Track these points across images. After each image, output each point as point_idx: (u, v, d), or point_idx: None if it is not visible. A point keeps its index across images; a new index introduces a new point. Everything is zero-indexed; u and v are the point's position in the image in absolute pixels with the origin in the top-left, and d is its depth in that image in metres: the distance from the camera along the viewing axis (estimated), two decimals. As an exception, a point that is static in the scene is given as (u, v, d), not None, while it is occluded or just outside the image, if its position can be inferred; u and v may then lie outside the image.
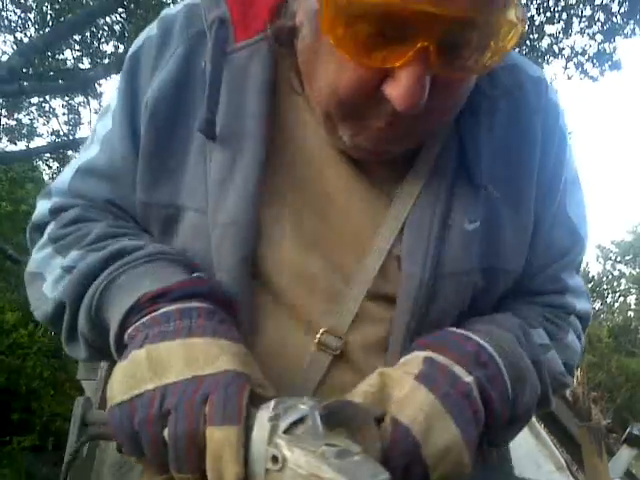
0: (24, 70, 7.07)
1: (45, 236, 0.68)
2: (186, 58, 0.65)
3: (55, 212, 0.69)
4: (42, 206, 0.71)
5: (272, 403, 0.46)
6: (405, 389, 0.54)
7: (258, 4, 0.65)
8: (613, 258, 26.68)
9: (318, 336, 0.63)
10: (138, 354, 0.50)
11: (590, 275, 26.72)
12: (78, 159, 0.71)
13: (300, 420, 0.45)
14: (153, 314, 0.53)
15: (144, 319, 0.53)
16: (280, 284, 0.63)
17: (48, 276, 0.64)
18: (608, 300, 26.55)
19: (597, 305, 26.60)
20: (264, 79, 0.63)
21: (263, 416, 0.45)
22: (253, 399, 0.47)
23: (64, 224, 0.67)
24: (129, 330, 0.54)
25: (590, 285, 26.71)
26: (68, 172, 0.71)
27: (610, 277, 26.63)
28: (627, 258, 26.40)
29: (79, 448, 0.54)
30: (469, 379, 0.56)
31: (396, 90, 0.51)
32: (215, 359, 0.49)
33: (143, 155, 0.64)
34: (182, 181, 0.63)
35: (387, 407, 0.53)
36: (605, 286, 26.48)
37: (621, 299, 26.49)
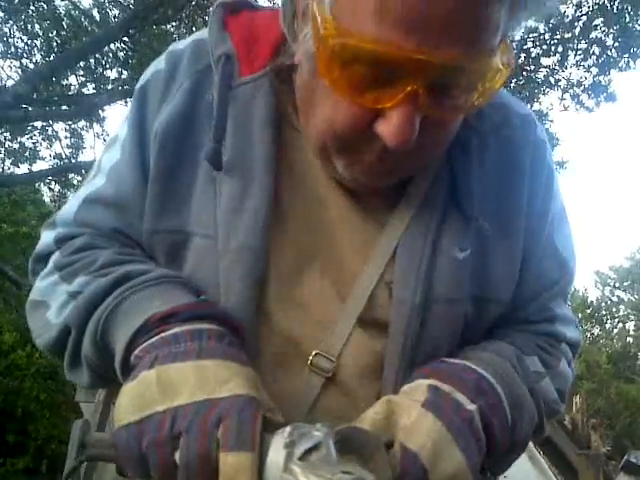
0: (29, 96, 7.18)
1: (50, 265, 0.68)
2: (193, 91, 0.67)
3: (60, 241, 0.70)
4: (46, 237, 0.72)
5: (287, 429, 0.46)
6: (412, 416, 0.55)
7: (261, 42, 0.69)
8: (611, 284, 26.57)
9: (310, 358, 0.64)
10: (148, 375, 0.50)
11: (589, 301, 26.55)
12: (83, 190, 0.72)
13: (315, 447, 0.45)
14: (162, 334, 0.54)
15: (153, 339, 0.54)
16: (276, 307, 0.65)
17: (53, 303, 0.65)
18: (607, 326, 26.36)
19: (596, 331, 26.40)
20: (268, 112, 0.65)
21: (278, 442, 0.45)
22: (264, 423, 0.48)
23: (70, 252, 0.68)
24: (136, 351, 0.54)
25: (589, 311, 26.52)
26: (73, 203, 0.72)
27: (609, 303, 26.49)
28: (625, 284, 26.29)
29: (77, 467, 0.53)
30: (472, 407, 0.57)
31: (387, 129, 0.54)
32: (227, 382, 0.49)
33: (152, 184, 0.66)
34: (189, 208, 0.65)
35: (395, 434, 0.54)
36: (604, 312, 26.31)
37: (620, 325, 26.32)
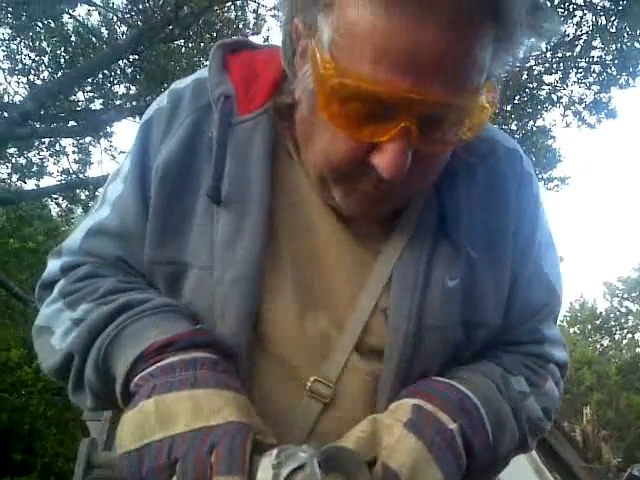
0: (36, 112, 7.25)
1: (55, 292, 0.71)
2: (194, 128, 0.70)
3: (66, 270, 0.72)
4: (53, 265, 0.74)
5: (275, 451, 0.49)
6: (395, 435, 0.58)
7: (259, 82, 0.71)
8: (620, 295, 26.36)
9: (309, 384, 0.66)
10: (146, 405, 0.53)
11: (598, 312, 26.40)
12: (89, 220, 0.75)
13: (300, 467, 0.47)
14: (159, 364, 0.56)
15: (151, 369, 0.56)
16: (273, 334, 0.67)
17: (57, 329, 0.67)
18: (616, 337, 26.11)
19: (605, 342, 26.13)
20: (265, 148, 0.68)
21: (266, 464, 0.48)
22: (256, 446, 0.50)
23: (74, 280, 0.70)
24: (136, 379, 0.57)
25: (598, 322, 26.29)
26: (79, 233, 0.74)
27: (617, 314, 26.24)
28: (634, 295, 26.04)
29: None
30: (453, 426, 0.60)
31: (382, 161, 0.57)
32: (220, 410, 0.52)
33: (153, 215, 0.68)
34: (188, 240, 0.67)
35: (378, 452, 0.57)
36: (613, 323, 26.08)
37: (629, 336, 26.04)
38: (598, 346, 25.78)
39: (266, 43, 0.81)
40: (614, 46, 6.81)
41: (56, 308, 0.69)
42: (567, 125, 7.96)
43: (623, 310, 26.18)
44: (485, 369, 0.70)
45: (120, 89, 9.24)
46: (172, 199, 0.68)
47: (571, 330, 25.82)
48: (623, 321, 26.10)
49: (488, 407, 0.65)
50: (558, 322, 0.84)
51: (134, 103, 8.95)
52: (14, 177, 9.54)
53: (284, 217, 0.69)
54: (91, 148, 9.72)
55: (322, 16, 0.57)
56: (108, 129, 8.96)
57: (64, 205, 9.82)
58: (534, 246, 0.75)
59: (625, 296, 26.16)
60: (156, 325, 0.60)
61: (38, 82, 8.71)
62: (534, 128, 8.18)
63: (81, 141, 9.56)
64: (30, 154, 9.47)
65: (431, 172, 0.64)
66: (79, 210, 10.13)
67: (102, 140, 9.47)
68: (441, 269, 0.67)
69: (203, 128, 0.70)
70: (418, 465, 0.56)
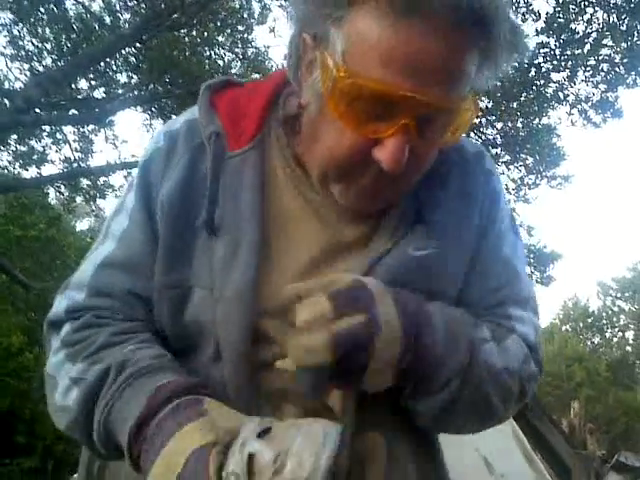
0: (40, 99, 7.19)
1: (60, 340, 0.76)
2: (190, 165, 0.77)
3: (70, 313, 0.77)
4: (60, 303, 0.79)
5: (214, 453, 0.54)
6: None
7: (247, 118, 0.79)
8: (613, 294, 26.62)
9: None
10: (154, 465, 0.60)
11: (590, 310, 26.69)
12: (96, 255, 0.80)
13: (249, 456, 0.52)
14: (144, 438, 0.62)
15: (143, 445, 0.62)
16: (273, 347, 0.72)
17: (60, 382, 0.73)
18: (607, 335, 26.42)
19: (596, 340, 26.42)
20: (254, 179, 0.75)
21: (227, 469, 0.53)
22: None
23: (76, 329, 0.75)
24: (136, 451, 0.63)
25: (590, 320, 26.60)
26: (88, 268, 0.79)
27: (610, 313, 26.53)
28: (627, 294, 26.32)
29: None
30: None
31: (384, 154, 0.65)
32: (183, 452, 0.57)
33: (162, 246, 0.75)
34: (191, 266, 0.74)
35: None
36: (604, 321, 26.39)
37: (620, 334, 26.37)
38: (589, 343, 26.08)
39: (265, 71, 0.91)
40: (624, 44, 6.87)
41: (59, 359, 0.74)
42: (572, 124, 8.02)
43: (615, 309, 26.47)
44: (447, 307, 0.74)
45: (123, 77, 9.20)
46: (176, 230, 0.75)
47: (563, 328, 26.10)
48: (615, 320, 26.40)
49: (444, 317, 0.69)
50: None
51: (136, 92, 8.91)
52: (15, 165, 9.47)
53: (275, 235, 0.75)
54: (92, 137, 9.68)
55: (334, 28, 0.66)
56: (111, 118, 8.90)
57: (66, 194, 9.77)
58: (494, 232, 0.82)
59: (618, 295, 26.44)
60: (132, 402, 0.65)
61: (40, 69, 8.63)
62: (539, 126, 8.22)
63: (82, 130, 9.50)
64: (32, 142, 9.40)
65: (420, 169, 0.72)
66: (80, 199, 10.09)
67: (104, 129, 9.43)
68: (408, 243, 0.75)
69: (198, 165, 0.77)
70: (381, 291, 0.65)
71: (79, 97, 8.95)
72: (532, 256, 9.78)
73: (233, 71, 9.16)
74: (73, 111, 8.77)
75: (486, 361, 0.71)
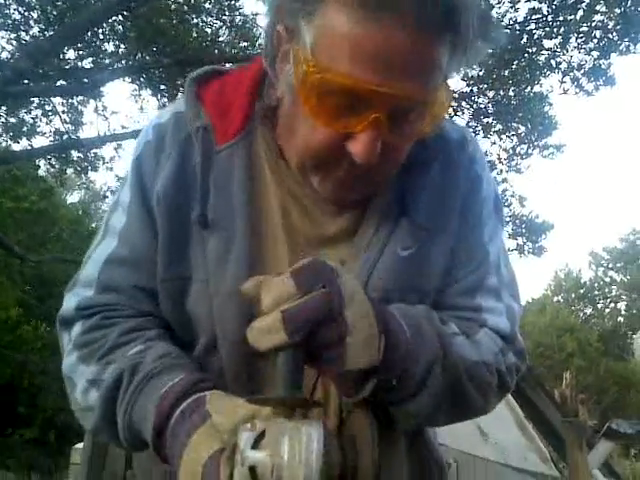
0: (30, 70, 7.09)
1: (72, 341, 0.78)
2: (180, 158, 0.78)
3: (80, 310, 0.78)
4: (69, 301, 0.81)
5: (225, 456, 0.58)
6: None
7: (233, 110, 0.79)
8: (605, 265, 26.78)
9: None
10: (180, 471, 0.62)
11: (582, 281, 26.88)
12: (99, 252, 0.81)
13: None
14: (166, 450, 0.65)
15: (166, 451, 0.65)
16: None
17: (78, 382, 0.75)
18: (599, 306, 26.65)
19: (588, 310, 26.67)
20: (244, 173, 0.77)
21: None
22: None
23: (87, 329, 0.77)
24: (163, 455, 0.66)
25: (582, 291, 26.78)
26: (94, 266, 0.81)
27: (601, 283, 26.72)
28: (618, 265, 26.48)
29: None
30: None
31: (356, 148, 0.66)
32: (199, 461, 0.59)
33: (161, 240, 0.77)
34: (189, 258, 0.76)
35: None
36: (596, 292, 26.59)
37: (612, 305, 26.61)
38: (581, 314, 26.35)
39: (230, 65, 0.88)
40: (617, 10, 6.80)
41: (73, 361, 0.76)
42: (564, 92, 7.96)
43: (607, 280, 26.65)
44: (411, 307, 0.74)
45: (110, 47, 9.06)
46: (173, 223, 0.77)
47: (555, 299, 26.33)
48: (607, 290, 26.61)
49: (405, 316, 0.69)
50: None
51: (124, 62, 8.79)
52: (6, 137, 9.38)
53: (264, 230, 0.77)
54: (81, 108, 9.57)
55: (305, 22, 0.66)
56: (101, 89, 8.80)
57: (57, 166, 9.71)
58: (473, 219, 0.82)
59: (610, 266, 26.60)
60: (149, 405, 0.67)
61: (27, 38, 8.50)
62: (531, 94, 8.18)
63: (71, 101, 9.40)
64: (21, 113, 9.30)
65: (395, 161, 0.72)
66: (70, 171, 10.04)
67: (92, 100, 9.32)
68: (396, 242, 0.76)
69: (187, 157, 0.78)
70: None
71: (66, 67, 8.83)
72: (524, 226, 9.85)
73: (221, 39, 9.07)
74: (61, 82, 8.67)
75: (460, 354, 0.72)
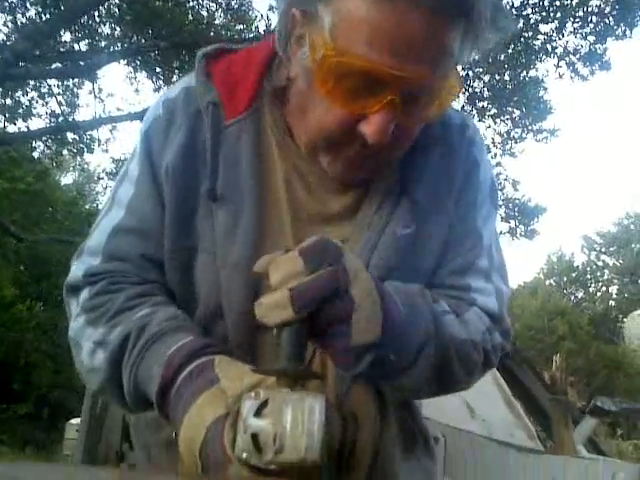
0: (28, 53, 7.06)
1: (79, 305, 0.79)
2: (190, 132, 0.80)
3: (87, 277, 0.80)
4: (77, 268, 0.81)
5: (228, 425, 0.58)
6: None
7: (241, 87, 0.81)
8: (598, 249, 26.89)
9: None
10: (180, 434, 0.63)
11: (574, 265, 27.01)
12: (106, 222, 0.82)
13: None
14: (169, 410, 0.66)
15: (169, 411, 0.66)
16: None
17: (84, 345, 0.76)
18: (591, 290, 26.77)
19: (580, 294, 26.80)
20: (253, 148, 0.79)
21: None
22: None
23: (94, 294, 0.78)
24: (165, 414, 0.67)
25: (574, 275, 26.89)
26: (100, 235, 0.82)
27: (594, 267, 26.86)
28: (611, 249, 26.57)
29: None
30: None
31: (370, 129, 0.68)
32: (203, 424, 0.60)
33: (168, 212, 0.78)
34: (196, 229, 0.78)
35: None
36: (588, 276, 26.73)
37: (603, 289, 26.73)
38: (572, 298, 26.54)
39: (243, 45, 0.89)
40: (614, -5, 6.81)
41: (80, 325, 0.78)
42: (560, 76, 7.98)
43: (600, 264, 26.77)
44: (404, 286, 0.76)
45: (106, 29, 9.01)
46: (180, 195, 0.78)
47: (547, 282, 26.49)
48: (599, 274, 26.71)
49: (400, 293, 0.70)
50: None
51: (120, 45, 8.75)
52: (1, 119, 9.34)
53: (272, 201, 0.79)
54: (77, 90, 9.54)
55: (323, 6, 0.68)
56: (97, 72, 8.77)
57: (53, 148, 9.70)
58: (468, 201, 0.84)
59: (603, 250, 26.71)
60: (153, 367, 0.68)
61: (24, 21, 8.45)
62: (527, 79, 8.19)
63: (66, 83, 9.37)
64: (17, 95, 9.26)
65: (405, 143, 0.75)
66: (66, 152, 10.03)
67: (87, 82, 9.29)
68: (397, 221, 0.78)
69: (197, 132, 0.80)
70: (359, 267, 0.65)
71: (63, 50, 8.78)
72: (516, 210, 9.94)
73: (217, 22, 9.05)
74: (58, 64, 8.63)
75: (450, 332, 0.74)
